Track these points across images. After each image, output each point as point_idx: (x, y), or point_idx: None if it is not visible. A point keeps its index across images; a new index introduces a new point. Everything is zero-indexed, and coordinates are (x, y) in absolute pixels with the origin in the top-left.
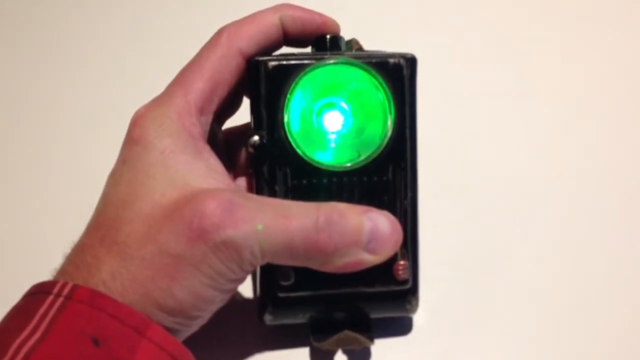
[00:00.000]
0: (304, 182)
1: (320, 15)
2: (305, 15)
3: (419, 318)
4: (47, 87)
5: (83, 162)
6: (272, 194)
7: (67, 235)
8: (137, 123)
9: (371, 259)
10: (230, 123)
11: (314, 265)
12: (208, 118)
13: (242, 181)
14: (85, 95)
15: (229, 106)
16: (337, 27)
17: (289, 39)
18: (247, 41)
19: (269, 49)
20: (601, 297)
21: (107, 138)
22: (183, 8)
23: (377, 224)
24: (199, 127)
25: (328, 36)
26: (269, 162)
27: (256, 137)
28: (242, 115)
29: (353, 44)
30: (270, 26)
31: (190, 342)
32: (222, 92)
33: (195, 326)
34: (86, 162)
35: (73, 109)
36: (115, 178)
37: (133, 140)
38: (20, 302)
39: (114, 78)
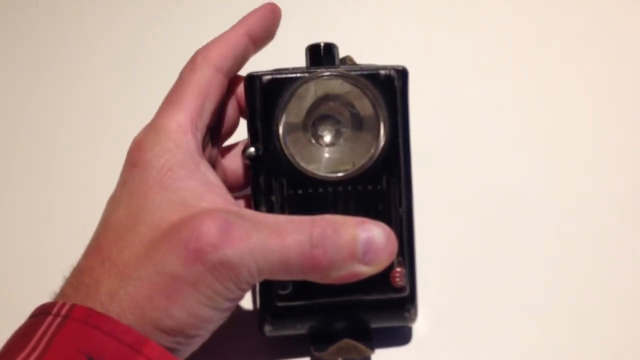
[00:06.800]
0: (300, 192)
1: (264, 7)
2: (259, 16)
3: (418, 328)
4: (46, 111)
5: (82, 186)
6: (269, 204)
7: (67, 258)
8: (136, 147)
9: (367, 270)
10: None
11: (311, 279)
12: (202, 132)
13: (240, 201)
14: (85, 121)
15: (225, 124)
16: (278, 8)
17: (257, 42)
18: (220, 59)
19: (241, 59)
20: (603, 306)
21: (106, 162)
22: (184, 30)
23: (371, 235)
24: (194, 142)
25: (322, 44)
26: (265, 174)
27: (252, 149)
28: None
29: (347, 61)
30: (236, 40)
31: (190, 355)
32: (209, 106)
33: (194, 345)
34: (86, 186)
35: (74, 134)
36: (115, 202)
37: (132, 164)
38: (22, 325)
39: (113, 102)
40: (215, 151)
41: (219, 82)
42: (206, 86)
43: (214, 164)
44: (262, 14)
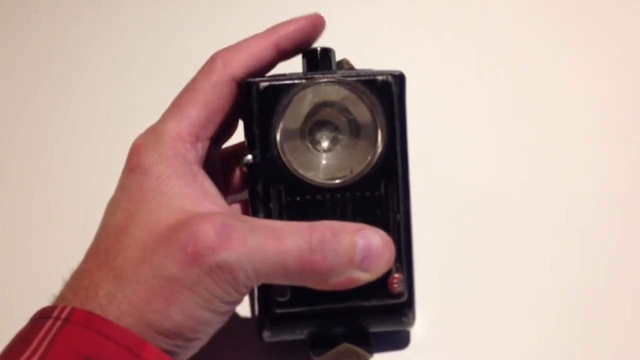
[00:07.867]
0: (298, 199)
1: (306, 19)
2: (296, 28)
3: (417, 331)
4: (46, 112)
5: (83, 187)
6: (267, 211)
7: (67, 261)
8: (135, 152)
9: (365, 276)
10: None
11: (309, 284)
12: (204, 144)
13: (236, 205)
14: (85, 122)
15: (226, 129)
16: (322, 21)
17: (285, 55)
18: (240, 68)
19: (262, 71)
20: (603, 306)
21: (106, 163)
22: (183, 33)
23: (369, 242)
24: (193, 152)
25: (319, 49)
26: (262, 181)
27: (249, 157)
28: (239, 136)
29: (344, 64)
30: (263, 51)
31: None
32: (216, 118)
33: (193, 349)
34: (86, 187)
35: (74, 134)
36: (113, 205)
37: (131, 168)
38: (23, 328)
39: (113, 103)
40: (214, 153)
41: (231, 92)
42: (217, 97)
43: (213, 166)
44: (303, 26)
